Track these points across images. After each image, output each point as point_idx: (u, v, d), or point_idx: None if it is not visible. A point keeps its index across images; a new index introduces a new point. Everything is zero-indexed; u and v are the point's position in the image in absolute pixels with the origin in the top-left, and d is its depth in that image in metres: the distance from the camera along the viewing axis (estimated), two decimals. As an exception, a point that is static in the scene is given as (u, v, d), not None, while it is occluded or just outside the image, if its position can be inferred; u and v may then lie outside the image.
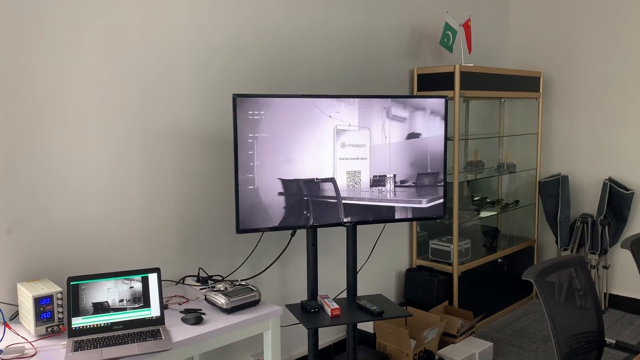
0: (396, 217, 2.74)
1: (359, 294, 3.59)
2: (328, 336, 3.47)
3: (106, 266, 2.44)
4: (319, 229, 3.28)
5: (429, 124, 2.76)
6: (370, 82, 3.54)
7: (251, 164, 2.45)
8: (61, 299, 2.03)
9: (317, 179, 2.57)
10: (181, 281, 2.63)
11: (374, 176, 2.68)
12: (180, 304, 2.36)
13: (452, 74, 3.60)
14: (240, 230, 2.46)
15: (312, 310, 2.58)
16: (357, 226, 3.42)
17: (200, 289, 2.49)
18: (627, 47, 4.16)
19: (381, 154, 2.69)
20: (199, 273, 2.71)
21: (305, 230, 3.02)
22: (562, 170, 4.56)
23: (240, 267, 2.93)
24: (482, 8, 4.46)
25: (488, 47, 4.58)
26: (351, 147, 2.63)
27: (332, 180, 2.58)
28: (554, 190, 4.37)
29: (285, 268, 3.15)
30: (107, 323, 2.04)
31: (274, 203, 2.51)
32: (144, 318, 2.09)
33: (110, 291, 2.07)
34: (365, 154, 2.66)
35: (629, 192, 4.10)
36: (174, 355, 1.99)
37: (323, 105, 2.56)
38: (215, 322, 2.15)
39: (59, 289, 2.04)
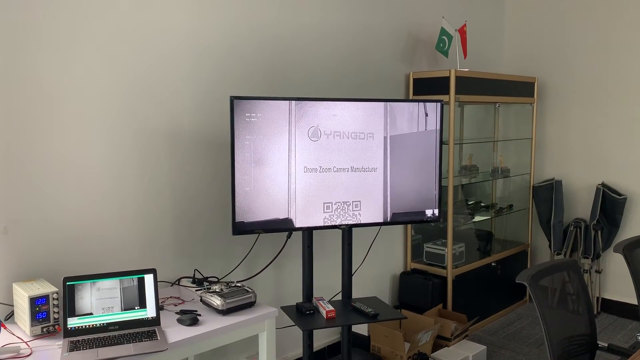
0: (391, 220, 2.75)
1: (353, 296, 3.60)
2: (323, 338, 3.47)
3: (102, 267, 2.44)
4: (314, 232, 3.29)
5: (424, 127, 2.78)
6: (366, 86, 3.56)
7: (248, 165, 2.46)
8: (57, 299, 2.03)
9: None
10: (177, 282, 2.63)
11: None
12: (176, 305, 2.36)
13: (447, 79, 3.63)
14: (236, 231, 2.47)
15: (307, 312, 2.58)
16: (353, 229, 3.43)
17: (196, 290, 2.50)
18: (621, 54, 4.20)
19: (373, 152, 2.71)
20: (194, 274, 2.72)
21: (300, 232, 3.03)
22: (555, 175, 4.59)
23: (235, 269, 2.93)
24: (477, 14, 4.49)
25: (483, 52, 4.61)
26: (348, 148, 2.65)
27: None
28: (548, 194, 4.40)
29: (280, 270, 3.16)
30: (103, 323, 2.04)
31: (270, 205, 2.52)
32: (139, 319, 2.09)
33: (106, 292, 2.08)
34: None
35: (622, 197, 4.13)
36: (170, 356, 2.00)
37: (320, 108, 2.57)
38: (211, 323, 2.16)
39: (54, 289, 2.04)
